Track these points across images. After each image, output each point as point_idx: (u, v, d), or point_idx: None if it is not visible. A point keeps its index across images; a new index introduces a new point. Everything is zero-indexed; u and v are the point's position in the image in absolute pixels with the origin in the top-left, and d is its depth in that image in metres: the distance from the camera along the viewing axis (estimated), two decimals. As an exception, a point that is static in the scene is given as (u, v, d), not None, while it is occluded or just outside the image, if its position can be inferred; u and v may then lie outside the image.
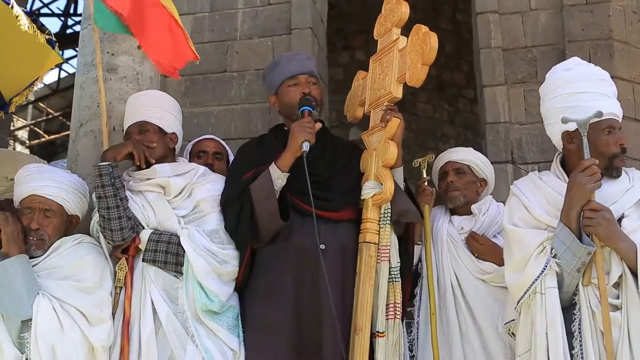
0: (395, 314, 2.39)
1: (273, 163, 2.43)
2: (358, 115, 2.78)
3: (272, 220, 2.36)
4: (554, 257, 2.09)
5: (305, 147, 2.36)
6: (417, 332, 2.71)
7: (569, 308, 2.10)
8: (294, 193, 2.43)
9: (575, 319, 2.07)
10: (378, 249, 2.41)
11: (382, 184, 2.43)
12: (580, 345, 2.04)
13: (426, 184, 2.87)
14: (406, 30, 2.58)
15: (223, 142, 3.10)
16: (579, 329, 2.05)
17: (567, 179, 2.19)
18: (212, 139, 3.10)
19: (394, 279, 2.41)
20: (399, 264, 2.46)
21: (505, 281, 2.30)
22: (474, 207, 2.79)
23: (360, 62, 7.57)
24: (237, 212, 2.39)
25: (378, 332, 2.36)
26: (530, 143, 4.13)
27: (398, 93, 2.50)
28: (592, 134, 2.14)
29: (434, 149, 7.54)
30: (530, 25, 4.35)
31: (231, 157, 3.04)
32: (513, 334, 2.29)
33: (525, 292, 2.13)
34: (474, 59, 4.70)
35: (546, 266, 2.09)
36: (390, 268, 2.42)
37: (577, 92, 2.20)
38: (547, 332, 2.06)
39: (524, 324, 2.17)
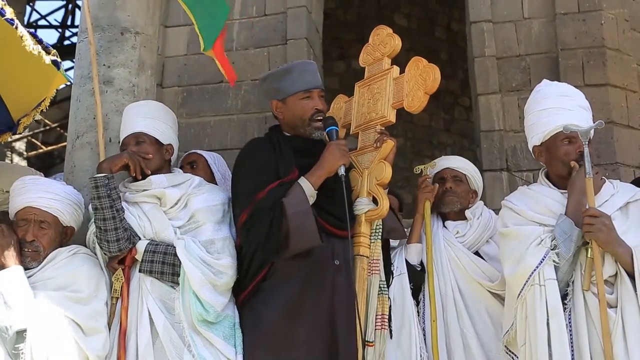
0: (382, 324, 2.46)
1: (304, 178, 2.43)
2: (340, 136, 2.86)
3: (310, 238, 2.35)
4: (553, 249, 2.19)
5: (342, 170, 2.44)
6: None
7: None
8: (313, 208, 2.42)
9: (566, 308, 2.16)
10: (369, 262, 2.48)
11: (374, 201, 2.52)
12: (571, 334, 2.12)
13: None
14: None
15: (200, 151, 3.13)
16: (569, 317, 2.15)
17: (551, 186, 2.40)
18: (188, 153, 3.15)
19: (382, 291, 2.50)
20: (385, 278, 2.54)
21: (505, 276, 2.38)
22: (468, 212, 2.86)
23: (356, 71, 7.56)
24: (268, 225, 2.36)
25: (367, 341, 2.41)
26: (525, 150, 4.15)
27: (392, 118, 2.63)
28: (553, 145, 2.36)
29: (430, 157, 7.55)
30: (524, 33, 4.39)
31: (212, 162, 3.05)
32: (512, 351, 2.35)
33: (524, 284, 2.21)
34: (468, 68, 4.73)
35: (545, 256, 2.19)
36: (380, 281, 2.49)
37: (540, 109, 2.41)
38: (548, 322, 2.14)
39: (520, 318, 2.24)
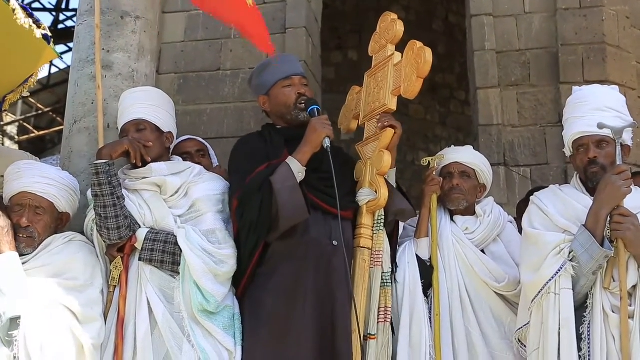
0: (385, 317, 2.45)
1: (291, 157, 2.44)
2: (352, 128, 2.90)
3: (298, 212, 2.35)
4: (571, 260, 2.17)
5: (327, 142, 2.42)
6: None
7: (579, 309, 2.17)
8: (306, 187, 2.42)
9: (585, 321, 2.15)
10: (371, 254, 2.47)
11: (376, 191, 2.50)
12: (588, 347, 2.11)
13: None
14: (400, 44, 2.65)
15: (201, 139, 3.08)
16: (588, 330, 2.12)
17: (585, 191, 2.35)
18: (190, 139, 3.06)
19: (385, 284, 2.48)
20: (390, 270, 2.53)
21: (521, 281, 2.38)
22: (478, 209, 2.79)
23: (353, 62, 7.58)
24: (259, 204, 2.36)
25: (369, 334, 2.40)
26: (523, 145, 4.16)
27: (393, 105, 2.60)
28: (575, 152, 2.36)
29: (426, 150, 7.58)
30: (524, 28, 4.38)
31: (212, 152, 3.02)
32: (522, 343, 2.35)
33: (539, 292, 2.21)
34: (467, 61, 4.71)
35: (562, 267, 2.17)
36: (382, 273, 2.47)
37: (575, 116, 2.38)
38: (559, 331, 2.13)
39: (535, 323, 2.24)
